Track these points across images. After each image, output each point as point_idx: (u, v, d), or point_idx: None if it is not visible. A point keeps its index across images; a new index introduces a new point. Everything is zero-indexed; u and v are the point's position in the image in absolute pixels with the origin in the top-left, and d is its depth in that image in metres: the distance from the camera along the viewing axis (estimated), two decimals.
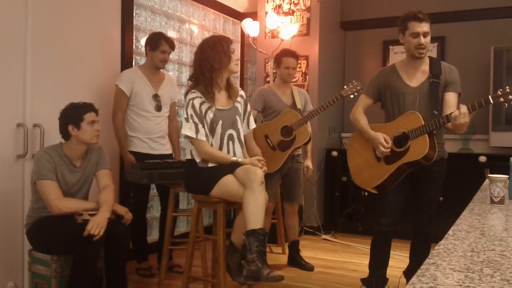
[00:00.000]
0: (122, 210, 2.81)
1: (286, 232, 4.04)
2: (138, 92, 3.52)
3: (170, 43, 3.60)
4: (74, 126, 2.69)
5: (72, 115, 2.70)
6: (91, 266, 2.55)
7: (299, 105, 3.79)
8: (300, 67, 5.09)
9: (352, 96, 3.65)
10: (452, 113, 2.57)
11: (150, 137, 3.58)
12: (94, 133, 2.75)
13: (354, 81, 3.68)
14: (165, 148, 3.69)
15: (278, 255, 4.27)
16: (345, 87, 3.69)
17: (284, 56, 3.77)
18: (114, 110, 3.52)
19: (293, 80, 3.92)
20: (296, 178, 3.86)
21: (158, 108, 3.60)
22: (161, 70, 3.71)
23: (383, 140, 2.78)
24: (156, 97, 3.58)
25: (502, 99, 2.47)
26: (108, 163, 2.92)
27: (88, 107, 2.75)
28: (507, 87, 2.47)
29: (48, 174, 2.62)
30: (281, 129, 3.68)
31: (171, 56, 3.73)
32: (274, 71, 5.06)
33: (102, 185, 2.83)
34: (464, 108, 2.51)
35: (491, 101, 2.48)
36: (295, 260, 3.94)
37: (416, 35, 2.71)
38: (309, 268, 3.86)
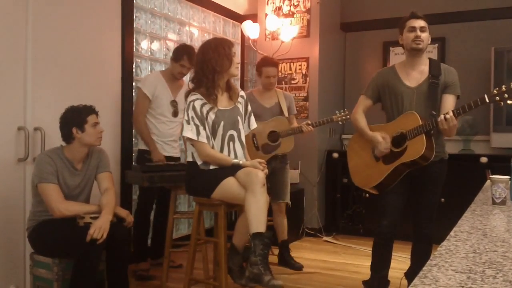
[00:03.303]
0: (123, 212, 2.82)
1: (275, 231, 4.03)
2: (159, 97, 3.64)
3: (192, 60, 3.62)
4: (79, 128, 2.71)
5: (76, 118, 2.72)
6: (92, 269, 2.54)
7: (285, 111, 3.92)
8: (300, 69, 5.11)
9: (341, 123, 3.96)
10: (457, 108, 2.58)
11: (164, 140, 3.69)
12: (98, 135, 2.78)
13: (346, 110, 3.94)
14: (176, 151, 3.82)
15: (272, 256, 4.24)
16: (337, 112, 3.94)
17: (264, 66, 3.90)
18: (136, 113, 3.66)
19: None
20: (280, 177, 3.92)
21: (175, 114, 3.73)
22: None
23: (381, 139, 2.79)
24: (174, 103, 3.71)
25: (498, 98, 2.46)
26: (109, 165, 2.92)
27: (90, 110, 2.78)
28: (503, 86, 2.46)
29: (49, 177, 2.62)
30: (269, 133, 3.86)
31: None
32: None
33: (103, 188, 2.83)
34: (450, 113, 2.54)
35: (487, 101, 2.48)
36: (285, 260, 3.94)
37: (413, 29, 2.76)
38: (298, 267, 3.87)
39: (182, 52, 3.66)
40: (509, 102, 2.44)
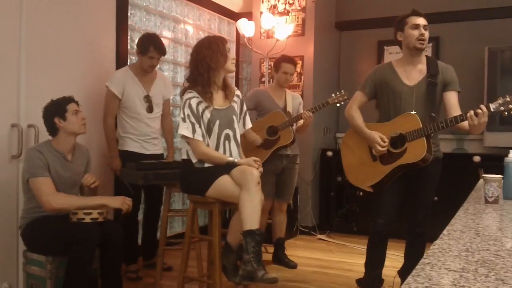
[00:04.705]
0: (117, 202, 2.74)
1: (273, 229, 4.04)
2: (129, 95, 3.50)
3: (159, 49, 3.50)
4: (60, 118, 2.72)
5: (56, 109, 2.74)
6: (86, 267, 2.54)
7: (289, 108, 3.94)
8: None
9: (338, 104, 3.87)
10: (459, 115, 2.55)
11: (143, 138, 3.59)
12: (81, 122, 2.79)
13: (342, 91, 3.88)
14: (157, 148, 3.70)
15: (266, 254, 4.25)
16: (332, 95, 3.86)
17: (284, 62, 3.90)
18: (105, 113, 3.50)
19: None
20: (289, 177, 3.95)
21: (150, 109, 3.59)
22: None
23: (380, 139, 2.78)
24: (147, 98, 3.57)
25: (502, 108, 2.45)
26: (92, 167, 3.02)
27: (69, 99, 2.80)
28: (507, 96, 2.45)
29: (39, 171, 2.62)
30: (267, 128, 3.85)
31: (166, 56, 3.73)
32: (269, 72, 5.07)
33: None
34: (483, 108, 2.44)
35: (491, 110, 2.47)
36: (280, 258, 3.95)
37: (417, 26, 2.74)
38: (292, 266, 3.88)
39: (147, 43, 3.47)
40: None
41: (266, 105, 3.89)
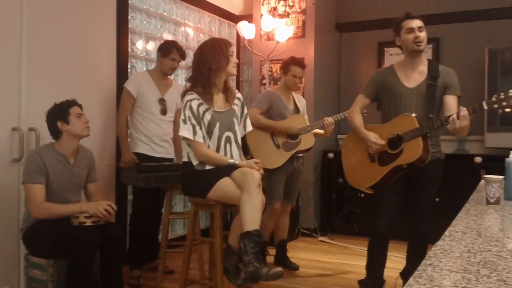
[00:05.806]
0: (93, 208, 2.62)
1: (275, 231, 4.03)
2: (144, 94, 3.58)
3: (181, 52, 3.67)
4: (63, 121, 2.73)
5: (58, 112, 2.75)
6: (86, 270, 2.54)
7: (302, 112, 3.94)
8: None
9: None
10: (450, 115, 2.56)
11: (154, 140, 3.62)
12: (84, 124, 2.79)
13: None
14: (167, 152, 3.72)
15: (269, 256, 4.24)
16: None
17: (293, 64, 3.85)
18: (120, 110, 3.63)
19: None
20: (296, 179, 3.96)
21: (163, 111, 3.65)
22: (169, 76, 3.77)
23: (374, 138, 2.79)
24: (162, 101, 3.65)
25: (496, 106, 2.46)
26: (97, 172, 2.99)
27: (72, 102, 2.80)
28: (501, 93, 2.45)
29: (33, 177, 2.62)
30: None
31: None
32: (270, 73, 5.08)
33: (93, 195, 2.91)
34: (463, 111, 2.47)
35: (485, 107, 2.47)
36: (282, 260, 3.95)
37: (411, 30, 2.75)
38: (294, 267, 3.88)
39: (170, 46, 3.64)
40: (507, 110, 2.42)
41: (279, 108, 3.85)
